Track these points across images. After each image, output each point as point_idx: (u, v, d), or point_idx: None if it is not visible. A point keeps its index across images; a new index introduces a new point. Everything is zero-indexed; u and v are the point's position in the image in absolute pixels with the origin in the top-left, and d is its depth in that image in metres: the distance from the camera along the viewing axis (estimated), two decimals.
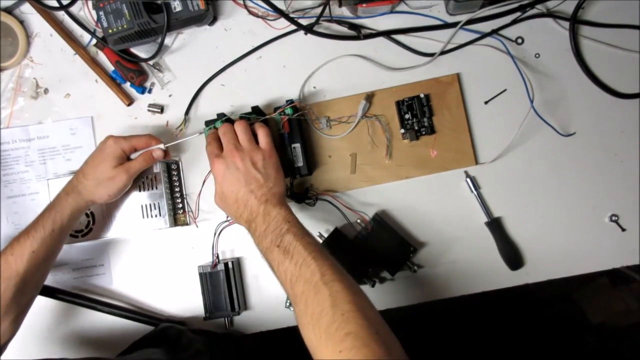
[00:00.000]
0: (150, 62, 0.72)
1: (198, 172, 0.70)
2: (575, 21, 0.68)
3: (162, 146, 0.65)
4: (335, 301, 0.44)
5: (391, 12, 0.70)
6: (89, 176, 0.62)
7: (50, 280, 0.70)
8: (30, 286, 0.60)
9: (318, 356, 0.43)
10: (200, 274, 0.68)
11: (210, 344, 0.66)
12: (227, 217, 0.67)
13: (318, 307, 0.45)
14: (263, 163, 0.58)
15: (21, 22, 0.72)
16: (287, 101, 0.66)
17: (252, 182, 0.57)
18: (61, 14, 0.72)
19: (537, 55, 0.70)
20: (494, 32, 0.69)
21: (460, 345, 1.33)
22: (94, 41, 0.71)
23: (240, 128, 0.61)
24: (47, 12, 0.72)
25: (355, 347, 0.40)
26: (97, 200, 0.63)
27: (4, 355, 0.59)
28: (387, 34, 0.70)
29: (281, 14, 0.67)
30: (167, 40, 0.72)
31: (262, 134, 0.61)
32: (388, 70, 0.70)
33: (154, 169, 0.68)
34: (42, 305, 0.70)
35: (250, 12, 0.71)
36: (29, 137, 0.72)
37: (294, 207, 0.69)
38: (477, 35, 0.69)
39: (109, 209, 0.69)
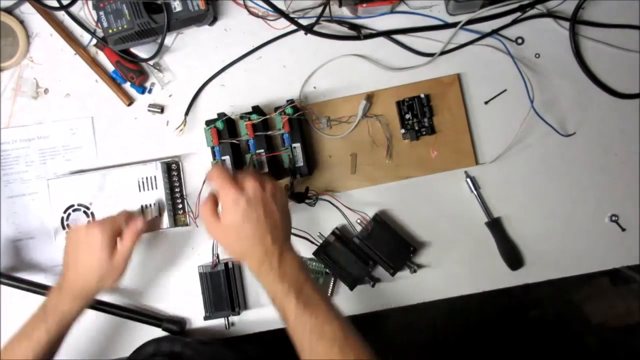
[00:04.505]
0: (150, 62, 0.72)
1: (198, 172, 0.70)
2: (575, 21, 0.68)
3: (140, 221, 0.60)
4: None
5: (391, 12, 0.70)
6: (88, 276, 0.57)
7: (51, 280, 0.70)
8: None
9: None
10: (200, 274, 0.68)
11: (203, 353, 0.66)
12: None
13: None
14: (280, 199, 0.54)
15: (21, 22, 0.72)
16: (287, 101, 0.66)
17: (270, 218, 0.52)
18: (61, 14, 0.72)
19: (537, 55, 0.70)
20: (494, 32, 0.69)
21: (460, 345, 1.33)
22: (94, 41, 0.71)
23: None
24: (47, 12, 0.72)
25: None
26: (104, 291, 0.60)
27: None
28: (387, 34, 0.70)
29: (281, 14, 0.67)
30: (167, 40, 0.72)
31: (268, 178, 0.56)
32: (388, 70, 0.70)
33: (155, 169, 0.68)
34: None
35: (250, 12, 0.71)
36: (29, 137, 0.72)
37: (294, 207, 0.69)
38: (477, 36, 0.69)
39: (109, 209, 0.69)
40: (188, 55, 0.72)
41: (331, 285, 0.68)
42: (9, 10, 0.72)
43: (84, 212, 0.69)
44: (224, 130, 0.66)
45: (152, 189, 0.68)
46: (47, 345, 0.56)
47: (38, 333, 0.56)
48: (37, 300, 0.67)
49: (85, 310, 0.60)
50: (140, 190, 0.68)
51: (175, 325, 0.68)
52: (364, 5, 0.66)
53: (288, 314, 0.50)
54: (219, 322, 0.69)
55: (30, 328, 0.57)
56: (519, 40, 0.70)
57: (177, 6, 0.66)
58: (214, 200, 0.54)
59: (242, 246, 0.53)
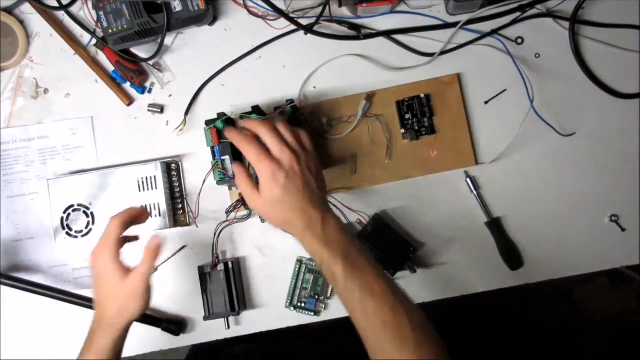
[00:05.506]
0: (150, 62, 0.72)
1: (198, 172, 0.70)
2: (575, 21, 0.68)
3: (158, 239, 0.59)
4: (413, 324, 0.49)
5: (391, 12, 0.70)
6: (106, 310, 0.57)
7: (50, 280, 0.70)
8: None
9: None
10: (200, 274, 0.68)
11: None
12: (229, 215, 0.67)
13: (399, 328, 0.49)
14: (315, 167, 0.56)
15: (21, 22, 0.72)
16: (287, 101, 0.66)
17: (308, 188, 0.54)
18: (61, 14, 0.72)
19: (537, 55, 0.70)
20: (494, 32, 0.69)
21: (460, 345, 1.33)
22: (94, 41, 0.71)
23: (284, 128, 0.56)
24: (47, 12, 0.72)
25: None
26: (134, 317, 0.57)
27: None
28: (387, 34, 0.70)
29: (281, 14, 0.67)
30: (167, 40, 0.72)
31: (305, 136, 0.58)
32: (388, 70, 0.70)
33: (155, 169, 0.68)
34: (41, 306, 0.70)
35: (250, 12, 0.71)
36: (29, 137, 0.72)
37: None
38: (477, 35, 0.69)
39: (109, 209, 0.69)
40: (188, 55, 0.72)
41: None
42: (9, 10, 0.72)
43: (84, 212, 0.69)
44: (224, 130, 0.66)
45: (152, 189, 0.68)
46: None
47: None
48: (37, 300, 0.67)
49: (123, 341, 0.59)
50: (140, 190, 0.68)
51: (175, 326, 0.68)
52: (364, 5, 0.66)
53: (337, 277, 0.51)
54: (218, 322, 0.69)
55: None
56: (519, 40, 0.70)
57: (177, 6, 0.66)
58: (246, 170, 0.57)
59: (285, 217, 0.54)
